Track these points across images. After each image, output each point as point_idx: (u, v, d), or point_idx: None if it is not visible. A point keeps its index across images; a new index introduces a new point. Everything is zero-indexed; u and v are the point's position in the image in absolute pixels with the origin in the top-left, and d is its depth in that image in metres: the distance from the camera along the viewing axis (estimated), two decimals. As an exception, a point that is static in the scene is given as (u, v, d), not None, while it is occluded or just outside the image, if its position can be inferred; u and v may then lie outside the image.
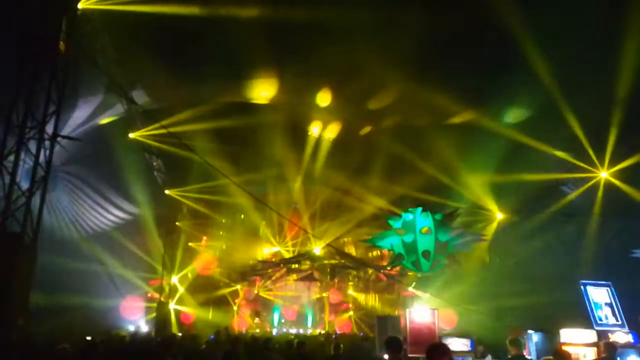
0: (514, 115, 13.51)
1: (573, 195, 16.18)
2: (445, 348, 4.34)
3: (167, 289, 19.98)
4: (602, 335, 9.20)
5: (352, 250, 23.18)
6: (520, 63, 10.77)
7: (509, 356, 7.51)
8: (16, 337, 7.05)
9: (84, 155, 14.51)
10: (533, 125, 13.40)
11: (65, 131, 12.43)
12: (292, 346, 11.80)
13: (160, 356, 7.50)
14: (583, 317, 9.88)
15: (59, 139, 9.49)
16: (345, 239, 23.07)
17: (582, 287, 10.05)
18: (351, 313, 23.62)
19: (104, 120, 14.59)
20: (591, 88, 11.29)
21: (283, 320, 23.79)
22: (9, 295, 7.14)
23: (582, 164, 14.58)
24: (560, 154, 14.29)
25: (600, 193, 14.96)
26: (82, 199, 16.84)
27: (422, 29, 10.29)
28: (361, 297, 23.56)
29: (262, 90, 14.03)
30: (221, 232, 23.68)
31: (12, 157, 8.55)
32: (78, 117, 13.39)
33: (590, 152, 13.37)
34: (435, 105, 13.38)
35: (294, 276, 22.85)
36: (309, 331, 22.02)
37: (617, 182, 14.07)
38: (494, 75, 11.41)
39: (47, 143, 8.95)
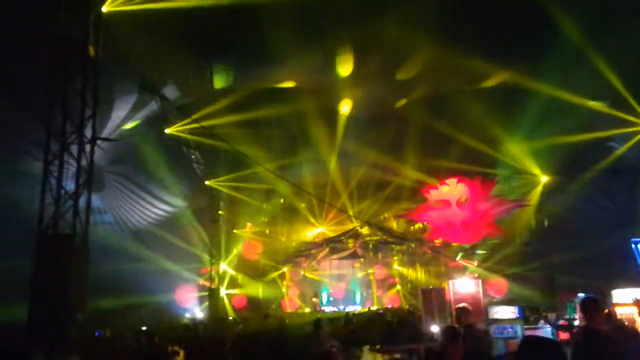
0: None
1: (620, 150, 15.47)
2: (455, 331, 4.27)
3: (216, 277, 20.67)
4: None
5: (393, 225, 23.06)
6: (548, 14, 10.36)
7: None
8: (75, 331, 7.51)
9: (126, 154, 15.09)
10: (570, 81, 12.81)
11: (106, 132, 12.92)
12: (341, 323, 12.02)
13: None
14: (635, 274, 9.56)
15: (98, 141, 9.85)
16: (386, 214, 22.98)
17: (632, 244, 9.70)
18: (398, 287, 23.66)
19: (138, 119, 15.03)
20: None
21: (331, 299, 24.14)
22: (65, 292, 7.60)
23: (628, 117, 13.87)
24: (600, 106, 13.60)
25: None
26: (130, 196, 17.54)
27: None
28: (407, 271, 23.51)
29: (289, 73, 14.03)
30: (263, 218, 24.11)
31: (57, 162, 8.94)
32: (116, 118, 13.88)
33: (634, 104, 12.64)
34: (466, 69, 13.02)
35: (341, 254, 22.97)
36: (358, 308, 22.23)
37: None
38: (522, 29, 10.91)
39: (87, 146, 9.29)
